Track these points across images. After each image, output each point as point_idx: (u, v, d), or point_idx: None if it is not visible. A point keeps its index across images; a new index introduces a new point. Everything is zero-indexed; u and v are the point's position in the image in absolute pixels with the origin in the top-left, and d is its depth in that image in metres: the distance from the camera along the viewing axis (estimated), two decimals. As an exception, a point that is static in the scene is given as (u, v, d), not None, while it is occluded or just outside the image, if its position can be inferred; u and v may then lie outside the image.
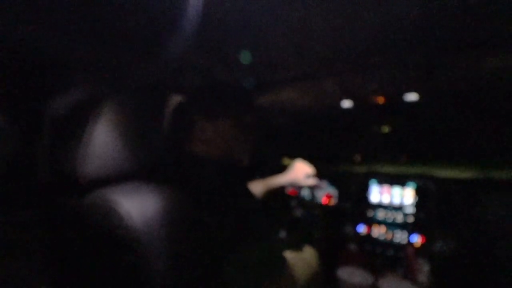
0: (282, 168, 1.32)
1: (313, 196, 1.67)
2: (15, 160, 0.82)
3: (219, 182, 0.73)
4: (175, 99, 0.83)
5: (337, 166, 1.82)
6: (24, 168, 0.80)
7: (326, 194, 1.73)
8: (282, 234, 1.57)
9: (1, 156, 0.86)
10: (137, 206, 0.50)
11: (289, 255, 1.32)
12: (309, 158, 1.40)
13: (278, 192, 1.26)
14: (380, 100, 1.23)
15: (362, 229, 1.51)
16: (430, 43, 0.80)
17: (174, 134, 0.84)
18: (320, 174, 1.73)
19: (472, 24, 0.69)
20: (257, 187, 1.25)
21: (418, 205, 1.42)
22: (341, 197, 1.66)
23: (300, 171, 1.24)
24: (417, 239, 1.35)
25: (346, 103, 1.27)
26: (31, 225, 0.71)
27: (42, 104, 0.74)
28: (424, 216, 1.38)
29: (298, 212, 1.66)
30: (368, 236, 1.49)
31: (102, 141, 0.54)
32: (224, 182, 0.74)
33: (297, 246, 1.41)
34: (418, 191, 1.43)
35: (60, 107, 0.70)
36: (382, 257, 1.44)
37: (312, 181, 1.25)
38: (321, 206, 1.66)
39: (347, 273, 1.06)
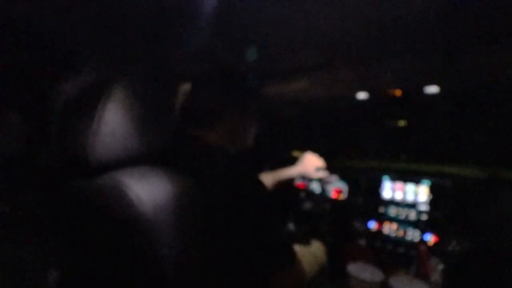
0: (292, 160, 1.31)
1: (322, 190, 1.65)
2: (28, 143, 0.83)
3: (226, 169, 0.71)
4: (185, 85, 0.81)
5: (349, 160, 1.78)
6: (36, 151, 0.81)
7: (336, 189, 1.70)
8: (290, 227, 1.56)
9: (14, 139, 0.88)
10: (147, 190, 0.49)
11: (297, 248, 1.31)
12: (320, 151, 1.37)
13: (288, 185, 1.25)
14: (397, 92, 1.18)
15: (372, 225, 1.48)
16: (453, 33, 0.76)
17: (183, 120, 0.83)
18: (330, 168, 1.71)
19: (496, 15, 0.65)
20: (267, 179, 1.24)
21: (432, 202, 1.37)
22: (351, 192, 1.63)
23: (310, 164, 1.22)
24: (430, 238, 1.32)
25: (361, 95, 1.23)
26: (41, 207, 0.72)
27: (54, 87, 0.74)
28: (438, 214, 1.33)
29: (307, 206, 1.64)
30: (379, 232, 1.46)
31: (113, 124, 0.53)
32: (231, 170, 0.72)
33: (305, 240, 1.40)
34: (433, 189, 1.38)
35: (71, 89, 0.70)
36: (393, 255, 1.41)
37: (321, 174, 1.23)
38: (330, 200, 1.63)
39: (358, 269, 1.04)
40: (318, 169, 1.22)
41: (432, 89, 1.07)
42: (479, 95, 1.16)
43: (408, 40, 0.83)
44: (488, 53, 0.82)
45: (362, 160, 1.91)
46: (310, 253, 1.31)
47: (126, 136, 0.55)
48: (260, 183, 0.74)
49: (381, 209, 1.48)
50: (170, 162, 0.70)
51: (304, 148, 1.68)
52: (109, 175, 0.52)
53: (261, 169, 1.75)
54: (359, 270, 1.03)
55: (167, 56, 0.88)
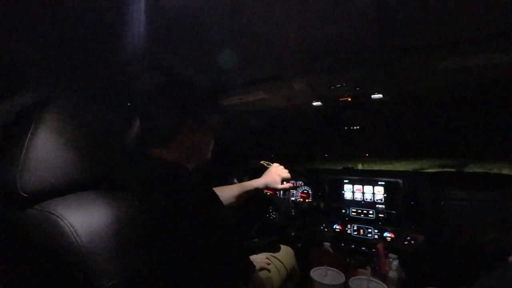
0: (260, 169, 1.33)
1: (287, 195, 1.68)
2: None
3: (183, 186, 0.71)
4: (135, 101, 0.79)
5: (311, 165, 1.84)
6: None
7: (302, 193, 1.75)
8: (258, 235, 1.57)
9: None
10: (82, 219, 0.47)
11: (266, 256, 1.32)
12: (284, 157, 1.41)
13: (255, 194, 1.26)
14: (348, 99, 1.26)
15: (336, 226, 1.54)
16: (390, 45, 0.83)
17: (134, 139, 0.81)
18: (295, 173, 1.75)
19: (430, 27, 0.72)
20: (233, 190, 1.23)
21: (387, 201, 1.46)
22: (316, 195, 1.69)
23: (276, 175, 1.24)
24: (387, 235, 1.40)
25: (317, 103, 1.29)
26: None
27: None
28: (393, 212, 1.43)
29: (274, 212, 1.67)
30: (343, 233, 1.52)
31: (45, 150, 0.51)
32: (188, 186, 0.71)
33: (273, 247, 1.42)
34: (387, 188, 1.48)
35: (3, 114, 0.65)
36: (356, 253, 1.47)
37: (287, 185, 1.25)
38: (296, 204, 1.67)
39: (320, 273, 1.07)
40: (284, 179, 1.24)
41: (377, 96, 1.15)
42: (423, 99, 1.27)
43: (352, 55, 0.89)
44: (420, 62, 0.91)
45: (323, 163, 1.99)
46: (279, 260, 1.33)
47: (61, 163, 0.52)
48: (214, 196, 0.74)
49: (344, 210, 1.54)
50: (117, 183, 0.67)
51: (269, 155, 1.72)
52: (42, 205, 0.49)
53: (226, 180, 1.75)
54: (322, 274, 1.06)
55: (113, 74, 0.86)
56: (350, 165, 1.81)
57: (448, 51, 0.82)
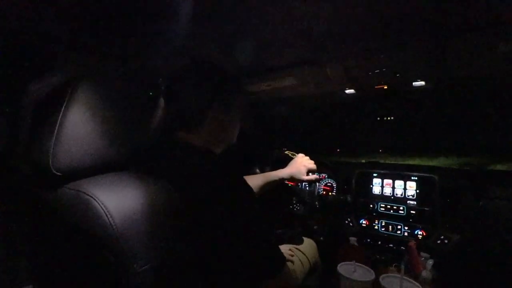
0: (280, 159, 1.28)
1: (313, 187, 1.63)
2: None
3: (213, 171, 0.68)
4: (163, 83, 0.76)
5: (338, 156, 1.77)
6: (3, 159, 0.74)
7: (325, 186, 1.69)
8: (282, 226, 1.54)
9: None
10: (115, 200, 0.45)
11: (289, 247, 1.29)
12: (310, 148, 1.35)
13: (279, 185, 1.22)
14: (385, 87, 1.17)
15: (363, 221, 1.47)
16: (439, 28, 0.74)
17: (163, 121, 0.79)
18: (321, 165, 1.69)
19: (482, 8, 0.63)
20: (258, 180, 1.21)
21: (420, 197, 1.37)
22: (342, 188, 1.62)
23: (302, 166, 1.19)
24: (419, 232, 1.32)
25: (350, 91, 1.21)
26: (15, 219, 0.66)
27: (23, 87, 0.68)
28: (426, 209, 1.34)
29: (298, 204, 1.62)
30: (369, 228, 1.45)
31: (77, 128, 0.49)
32: (218, 171, 0.68)
33: (297, 239, 1.38)
34: (420, 184, 1.39)
35: (38, 90, 0.65)
36: (383, 250, 1.41)
37: (313, 177, 1.20)
38: (321, 197, 1.62)
39: (349, 269, 1.02)
40: (310, 170, 1.19)
41: (419, 83, 1.06)
42: (469, 88, 1.15)
43: (395, 37, 0.81)
44: (471, 45, 0.81)
45: (351, 156, 1.90)
46: (302, 252, 1.30)
47: (93, 141, 0.50)
48: (247, 185, 0.70)
49: (371, 205, 1.47)
50: (149, 167, 0.65)
51: (295, 146, 1.66)
52: (75, 184, 0.48)
53: (248, 169, 1.72)
54: (350, 270, 1.02)
55: (143, 54, 0.83)
56: (379, 158, 1.72)
57: (506, 33, 0.71)
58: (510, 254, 1.10)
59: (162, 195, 0.53)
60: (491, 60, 0.83)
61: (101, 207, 0.43)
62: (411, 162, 1.81)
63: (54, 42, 0.78)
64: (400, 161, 1.70)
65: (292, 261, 1.18)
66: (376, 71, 1.01)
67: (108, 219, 0.43)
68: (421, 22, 0.72)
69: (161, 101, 0.83)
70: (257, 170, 1.70)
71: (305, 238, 1.41)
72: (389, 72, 1.01)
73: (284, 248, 1.27)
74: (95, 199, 0.44)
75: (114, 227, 0.42)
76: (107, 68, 0.59)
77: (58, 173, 0.47)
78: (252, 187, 1.17)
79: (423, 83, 1.05)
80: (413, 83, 1.05)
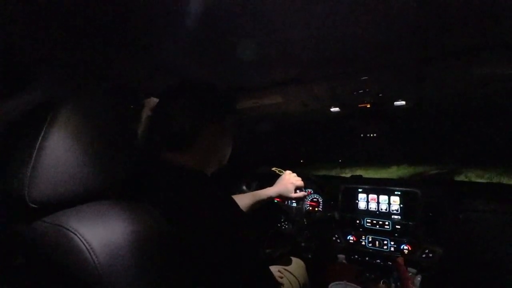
0: (267, 176, 1.27)
1: (300, 204, 1.62)
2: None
3: (204, 193, 0.65)
4: (151, 102, 0.73)
5: (324, 172, 1.78)
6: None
7: (311, 202, 1.69)
8: (269, 247, 1.50)
9: None
10: (99, 233, 0.41)
11: (277, 270, 1.25)
12: (296, 164, 1.35)
13: (266, 203, 1.20)
14: (368, 106, 1.21)
15: (350, 237, 1.48)
16: (418, 52, 0.78)
17: (152, 143, 0.75)
18: (307, 182, 1.69)
19: (457, 35, 0.68)
20: (247, 200, 1.18)
21: (404, 212, 1.40)
22: (328, 204, 1.62)
23: (290, 184, 1.18)
24: (404, 247, 1.34)
25: (335, 109, 1.24)
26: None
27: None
28: (410, 223, 1.36)
29: (285, 222, 1.60)
30: (357, 244, 1.46)
31: (56, 155, 0.44)
32: (209, 193, 0.65)
33: (284, 260, 1.35)
34: (404, 198, 1.42)
35: (10, 112, 0.59)
36: (371, 266, 1.41)
37: (301, 194, 1.20)
38: (308, 214, 1.61)
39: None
40: (297, 188, 1.19)
41: (401, 103, 1.10)
42: (449, 106, 1.22)
43: (377, 60, 0.84)
44: (448, 69, 0.87)
45: (337, 171, 1.93)
46: (291, 273, 1.26)
47: (74, 170, 0.46)
48: (239, 209, 0.68)
49: (358, 221, 1.48)
50: (135, 193, 0.61)
51: (281, 163, 1.66)
52: (53, 217, 0.43)
53: (235, 187, 1.69)
54: (341, 289, 1.00)
55: (129, 73, 0.80)
56: (364, 173, 1.76)
57: (484, 57, 0.77)
58: (492, 267, 1.13)
59: (150, 224, 0.49)
60: (465, 83, 0.89)
61: (83, 243, 0.39)
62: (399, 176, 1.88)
63: (29, 57, 0.73)
64: (390, 175, 1.74)
65: (282, 284, 1.15)
66: (360, 91, 1.05)
67: (92, 256, 0.39)
68: (401, 47, 0.76)
69: (146, 122, 0.80)
70: (244, 188, 1.67)
71: (293, 258, 1.38)
72: (372, 92, 1.05)
73: (273, 270, 1.24)
74: (76, 235, 0.39)
75: (98, 265, 0.38)
76: (90, 87, 0.56)
77: (34, 205, 0.43)
78: (241, 206, 1.15)
79: (403, 102, 1.09)
80: (394, 103, 1.10)
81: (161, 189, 0.63)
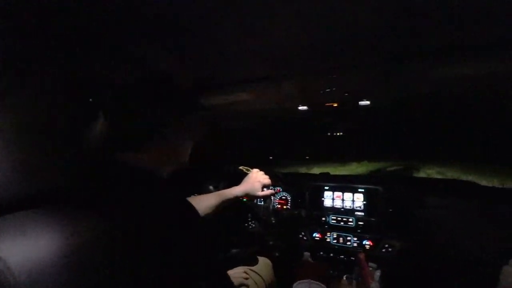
0: (234, 175, 1.24)
1: (268, 202, 1.61)
2: None
3: (160, 195, 0.59)
4: (101, 97, 0.65)
5: (291, 170, 1.79)
6: None
7: (280, 200, 1.69)
8: (236, 247, 1.47)
9: None
10: (22, 251, 0.34)
11: (243, 271, 1.22)
12: (264, 162, 1.34)
13: (233, 203, 1.16)
14: (335, 105, 1.22)
15: (316, 235, 1.50)
16: (386, 52, 0.80)
17: (107, 142, 0.67)
18: (275, 180, 1.69)
19: (423, 35, 0.70)
20: (212, 199, 1.13)
21: (367, 208, 1.46)
22: (296, 202, 1.63)
23: (257, 182, 1.16)
24: (366, 243, 1.39)
25: (303, 107, 1.23)
26: None
27: None
28: (373, 219, 1.42)
29: (253, 221, 1.58)
30: (322, 241, 1.48)
31: None
32: (165, 195, 0.60)
33: (251, 260, 1.33)
34: (367, 195, 1.47)
35: None
36: (335, 262, 1.44)
37: (268, 192, 1.18)
38: (276, 212, 1.61)
39: (303, 287, 1.01)
40: (264, 185, 1.17)
41: (366, 102, 1.13)
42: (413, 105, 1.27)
43: (343, 59, 0.85)
44: (417, 69, 0.90)
45: (303, 169, 1.96)
46: (257, 273, 1.25)
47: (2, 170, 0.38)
48: (192, 210, 0.64)
49: (324, 218, 1.51)
50: (81, 198, 0.54)
51: (249, 160, 1.63)
52: None
53: (201, 186, 1.63)
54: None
55: (75, 64, 0.70)
56: (330, 170, 1.80)
57: (445, 59, 0.80)
58: (446, 260, 1.21)
59: (90, 234, 0.42)
60: (427, 83, 0.93)
61: (1, 262, 0.32)
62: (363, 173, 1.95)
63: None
64: (355, 173, 1.80)
65: (247, 285, 1.12)
66: (327, 90, 1.05)
67: (7, 277, 0.32)
68: (367, 47, 0.77)
69: (102, 118, 0.71)
70: (211, 188, 1.61)
71: (260, 258, 1.37)
72: (338, 91, 1.06)
73: (239, 271, 1.21)
74: None
75: (15, 286, 0.31)
76: (29, 80, 0.47)
77: None
78: (206, 208, 1.10)
79: (368, 102, 1.12)
80: (359, 103, 1.12)
81: (108, 193, 0.57)
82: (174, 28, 0.69)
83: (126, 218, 0.51)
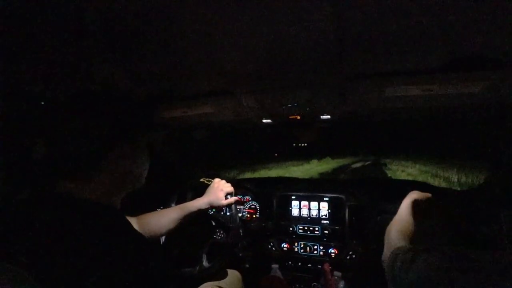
0: (202, 187, 1.20)
1: (233, 210, 1.59)
2: None
3: (108, 236, 0.54)
4: (37, 117, 0.59)
5: (257, 182, 1.79)
6: None
7: (249, 209, 1.67)
8: (204, 261, 1.42)
9: None
10: None
11: (210, 286, 1.19)
12: (229, 172, 1.31)
13: (198, 215, 1.13)
14: (298, 118, 1.24)
15: (284, 245, 1.50)
16: (338, 71, 0.82)
17: (46, 171, 0.60)
18: (244, 189, 1.67)
19: (380, 56, 0.72)
20: (173, 214, 1.09)
21: (332, 217, 1.49)
22: (264, 212, 1.63)
23: (219, 191, 1.14)
24: (331, 251, 1.42)
25: (266, 120, 1.23)
26: None
27: None
28: (337, 227, 1.45)
29: (221, 232, 1.54)
30: (290, 251, 1.49)
31: None
32: (114, 236, 0.55)
33: (219, 273, 1.30)
34: (331, 204, 1.51)
35: None
36: (303, 271, 1.45)
37: (232, 199, 1.16)
38: (245, 223, 1.59)
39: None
40: (228, 193, 1.15)
41: (326, 117, 1.15)
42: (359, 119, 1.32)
43: (302, 76, 0.85)
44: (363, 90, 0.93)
45: (269, 178, 1.96)
46: (226, 286, 1.22)
47: None
48: (150, 251, 0.60)
49: (291, 228, 1.52)
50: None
51: (214, 171, 1.59)
52: None
53: (166, 200, 1.56)
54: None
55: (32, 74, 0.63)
56: (295, 180, 1.81)
57: (394, 80, 0.84)
58: None
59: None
60: (381, 101, 0.97)
61: None
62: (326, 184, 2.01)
63: None
64: (319, 183, 1.83)
65: (215, 302, 1.09)
66: (288, 105, 1.05)
67: None
68: (323, 65, 0.78)
69: (38, 141, 0.64)
70: (173, 205, 1.55)
71: (229, 270, 1.34)
72: (299, 106, 1.07)
73: (207, 286, 1.18)
74: None
75: None
76: None
77: None
78: (167, 223, 1.07)
79: (329, 116, 1.15)
80: (321, 116, 1.15)
81: (38, 237, 0.49)
82: (128, 41, 0.64)
83: (57, 268, 0.46)
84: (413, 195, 0.91)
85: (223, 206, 1.16)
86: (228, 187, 1.16)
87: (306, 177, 1.72)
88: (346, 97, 0.99)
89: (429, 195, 0.91)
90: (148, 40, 0.64)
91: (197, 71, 0.84)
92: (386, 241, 0.78)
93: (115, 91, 0.68)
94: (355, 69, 0.80)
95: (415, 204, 0.87)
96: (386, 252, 0.71)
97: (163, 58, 0.74)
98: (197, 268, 1.40)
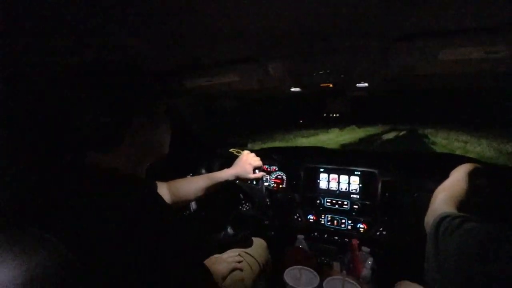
0: (230, 157, 1.20)
1: (260, 184, 1.59)
2: None
3: (130, 209, 0.55)
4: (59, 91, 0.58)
5: (285, 152, 1.74)
6: None
7: (276, 179, 1.66)
8: (230, 230, 1.47)
9: None
10: None
11: (237, 254, 1.23)
12: (257, 142, 1.28)
13: (224, 185, 1.14)
14: (330, 86, 1.13)
15: (311, 216, 1.49)
16: (380, 34, 0.70)
17: (68, 144, 0.62)
18: (270, 161, 1.64)
19: (429, 14, 0.59)
20: (201, 182, 1.11)
21: (362, 191, 1.43)
22: (290, 184, 1.61)
23: (248, 165, 1.13)
24: (360, 226, 1.37)
25: (295, 89, 1.14)
26: None
27: None
28: (368, 202, 1.39)
29: (247, 203, 1.57)
30: (316, 223, 1.48)
31: None
32: (136, 205, 0.56)
33: (245, 242, 1.34)
34: (363, 178, 1.43)
35: None
36: (329, 243, 1.45)
37: (259, 174, 1.15)
38: (270, 193, 1.59)
39: (294, 275, 1.01)
40: (256, 167, 1.14)
41: (362, 84, 1.03)
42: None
43: (337, 40, 0.74)
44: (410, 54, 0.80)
45: (298, 150, 1.90)
46: (252, 256, 1.26)
47: None
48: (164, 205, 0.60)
49: (318, 200, 1.49)
50: (29, 217, 0.50)
51: (241, 142, 1.58)
52: None
53: (195, 168, 1.60)
54: (296, 275, 1.01)
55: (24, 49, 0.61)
56: (325, 152, 1.74)
57: (450, 41, 0.70)
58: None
59: (40, 262, 0.39)
60: (431, 65, 0.83)
61: None
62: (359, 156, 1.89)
63: None
64: (350, 155, 1.74)
65: (241, 269, 1.14)
66: (320, 72, 0.95)
67: None
68: (363, 27, 0.67)
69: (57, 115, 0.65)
70: (203, 171, 1.58)
71: (254, 239, 1.38)
72: (333, 73, 0.96)
73: (233, 254, 1.22)
74: None
75: None
76: None
77: None
78: (194, 190, 1.09)
79: (366, 84, 1.02)
80: (357, 84, 1.03)
81: (70, 206, 0.52)
82: (151, 11, 0.60)
83: (89, 237, 0.48)
84: (469, 166, 0.86)
85: (250, 179, 1.15)
86: (257, 161, 1.14)
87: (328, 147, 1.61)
88: (389, 63, 0.86)
89: (487, 169, 0.86)
90: (169, 6, 0.58)
91: (221, 38, 0.77)
92: (431, 206, 0.77)
93: (132, 61, 0.65)
94: (402, 29, 0.67)
95: (472, 174, 0.84)
96: (429, 216, 0.71)
97: (185, 25, 0.68)
98: (222, 234, 1.47)
